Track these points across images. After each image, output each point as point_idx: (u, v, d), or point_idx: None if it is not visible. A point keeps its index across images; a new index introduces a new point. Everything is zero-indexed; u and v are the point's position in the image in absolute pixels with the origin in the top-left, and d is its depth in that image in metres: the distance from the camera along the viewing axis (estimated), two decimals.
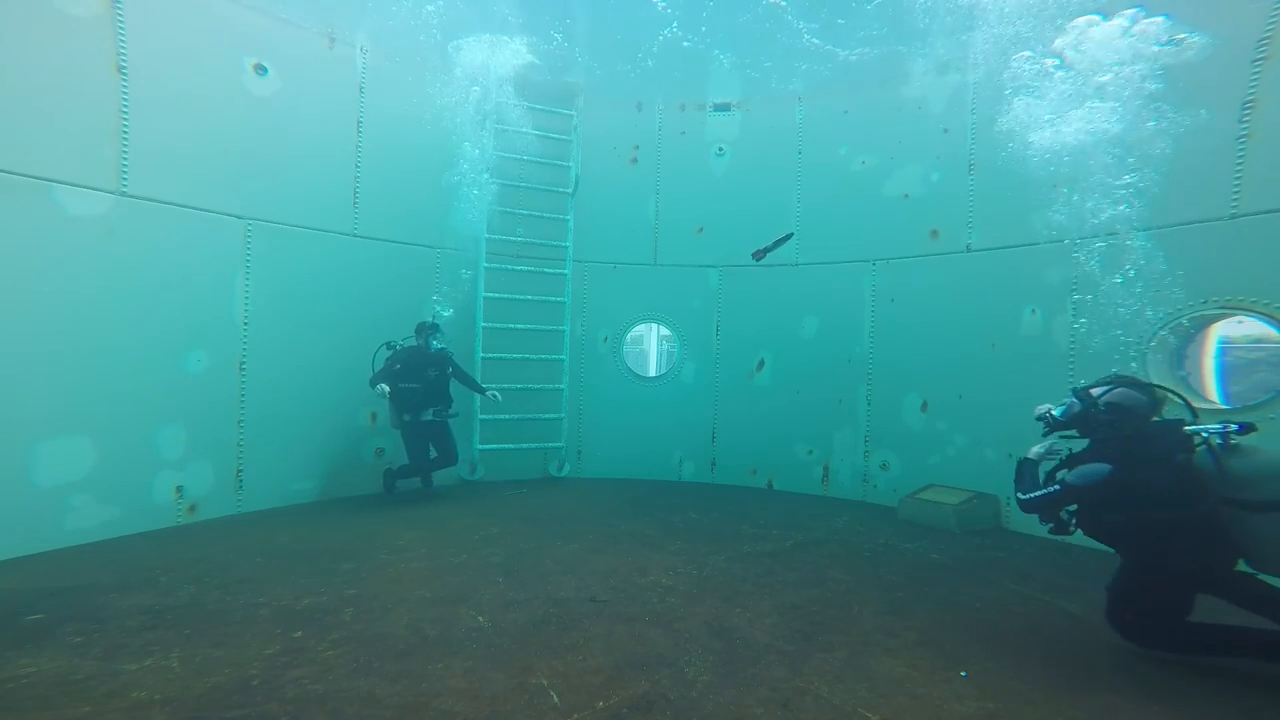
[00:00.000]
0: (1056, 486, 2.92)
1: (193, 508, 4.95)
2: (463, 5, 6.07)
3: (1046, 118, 4.90)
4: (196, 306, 4.96)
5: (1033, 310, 5.33)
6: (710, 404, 7.17)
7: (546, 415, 6.90)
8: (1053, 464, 3.10)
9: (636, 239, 7.25)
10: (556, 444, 6.96)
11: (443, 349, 5.86)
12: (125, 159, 4.54)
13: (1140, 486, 2.76)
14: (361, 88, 5.95)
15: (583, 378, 7.19)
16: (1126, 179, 4.52)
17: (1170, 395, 3.02)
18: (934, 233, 6.00)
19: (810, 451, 6.70)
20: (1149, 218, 4.48)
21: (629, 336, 7.94)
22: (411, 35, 6.07)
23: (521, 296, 6.84)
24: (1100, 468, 2.83)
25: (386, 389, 5.49)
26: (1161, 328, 4.54)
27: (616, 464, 7.13)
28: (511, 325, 6.78)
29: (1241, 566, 2.76)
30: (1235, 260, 4.27)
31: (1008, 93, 5.16)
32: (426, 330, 5.83)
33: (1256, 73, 4.22)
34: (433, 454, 5.94)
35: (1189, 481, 2.71)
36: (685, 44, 6.50)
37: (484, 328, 6.66)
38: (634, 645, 3.01)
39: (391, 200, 6.16)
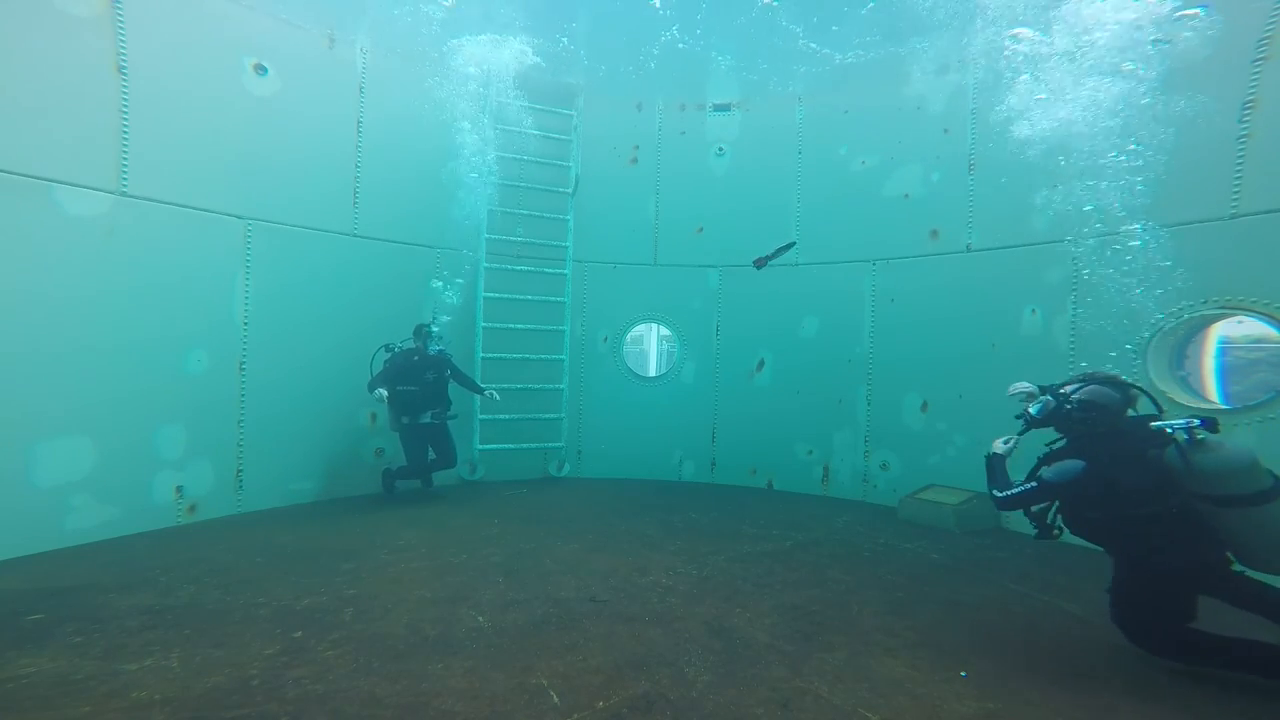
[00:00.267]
0: (1034, 484, 2.94)
1: (193, 508, 4.95)
2: (463, 5, 6.07)
3: (1047, 118, 4.90)
4: (196, 306, 4.96)
5: (1033, 310, 5.33)
6: (710, 404, 7.17)
7: (546, 415, 6.90)
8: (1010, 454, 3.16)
9: (636, 239, 7.24)
10: (556, 444, 6.96)
11: (441, 351, 5.86)
12: (125, 159, 4.54)
13: (1114, 483, 2.77)
14: (361, 88, 5.95)
15: (583, 378, 7.19)
16: (1127, 179, 4.53)
17: (1141, 392, 3.03)
18: (934, 233, 6.00)
19: (810, 451, 6.70)
20: (1149, 217, 4.48)
21: (629, 336, 7.94)
22: (412, 35, 6.08)
23: (521, 296, 6.84)
24: (1075, 464, 2.85)
25: (385, 394, 5.49)
26: (1161, 327, 4.54)
27: (616, 464, 7.13)
28: (511, 325, 6.78)
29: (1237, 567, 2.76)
30: (1235, 260, 4.27)
31: (1008, 93, 5.17)
32: (424, 333, 5.83)
33: (1256, 73, 4.22)
34: (431, 456, 5.94)
35: (1160, 477, 2.73)
36: (684, 45, 6.51)
37: (484, 328, 6.66)
38: (634, 645, 3.01)
39: (391, 200, 6.16)
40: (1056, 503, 3.01)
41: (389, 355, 5.75)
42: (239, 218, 5.20)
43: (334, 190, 5.82)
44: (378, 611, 3.32)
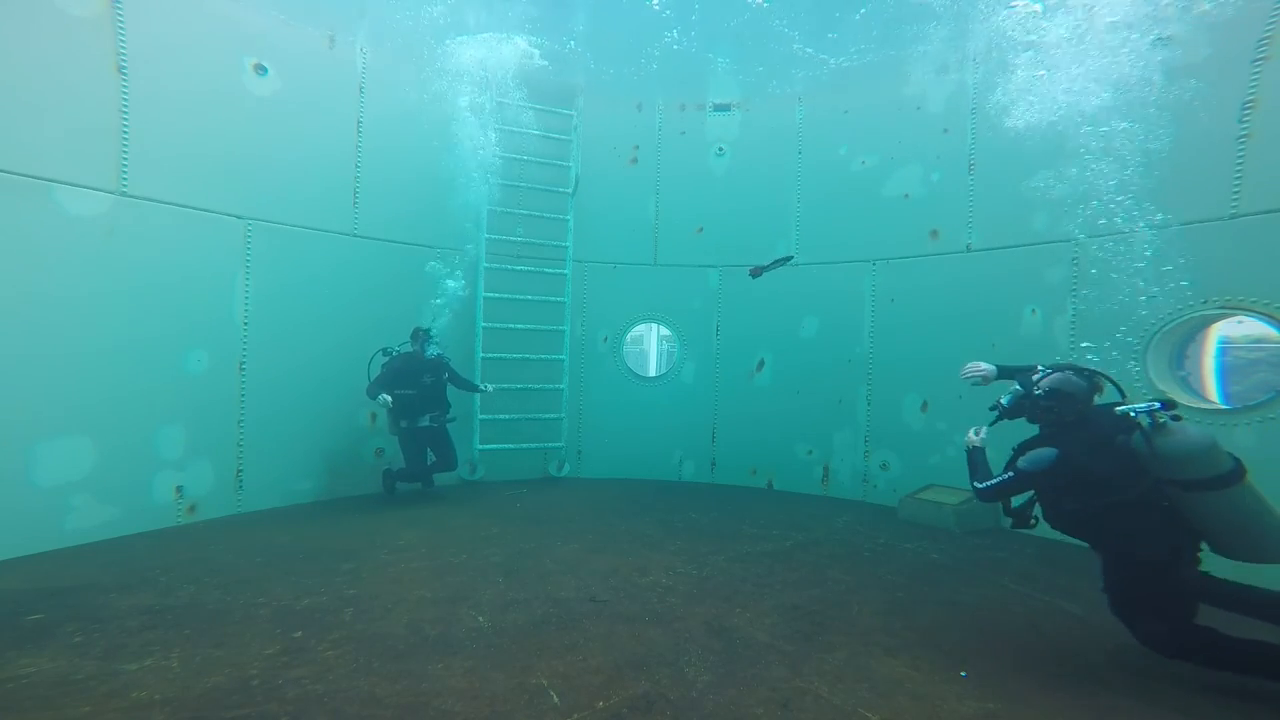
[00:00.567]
0: (1010, 474, 2.95)
1: (193, 508, 4.95)
2: (463, 5, 6.07)
3: (1047, 118, 4.90)
4: (196, 306, 4.96)
5: (1033, 310, 5.33)
6: (710, 404, 7.17)
7: (546, 415, 6.90)
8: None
9: (636, 239, 7.24)
10: (556, 444, 6.96)
11: (439, 354, 5.85)
12: (125, 159, 4.54)
13: (1085, 471, 2.78)
14: (361, 88, 5.95)
15: (583, 378, 7.19)
16: (1127, 179, 4.53)
17: (1106, 379, 3.03)
18: (934, 233, 6.00)
19: (810, 451, 6.70)
20: (1149, 218, 4.48)
21: (629, 336, 7.94)
22: (412, 35, 6.07)
23: (521, 296, 6.84)
24: (1048, 452, 2.86)
25: (389, 399, 5.48)
26: (1161, 328, 4.54)
27: (616, 464, 7.13)
28: (511, 325, 6.78)
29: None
30: (1235, 260, 4.27)
31: (1008, 93, 5.16)
32: (422, 337, 5.83)
33: (1256, 73, 4.22)
34: (431, 459, 5.93)
35: (1129, 463, 2.73)
36: (682, 46, 6.51)
37: (484, 328, 6.66)
38: (634, 645, 3.01)
39: (391, 200, 6.16)
40: (1033, 493, 3.03)
41: (386, 359, 5.74)
42: (239, 218, 5.20)
43: (334, 190, 5.82)
44: (378, 611, 3.32)
